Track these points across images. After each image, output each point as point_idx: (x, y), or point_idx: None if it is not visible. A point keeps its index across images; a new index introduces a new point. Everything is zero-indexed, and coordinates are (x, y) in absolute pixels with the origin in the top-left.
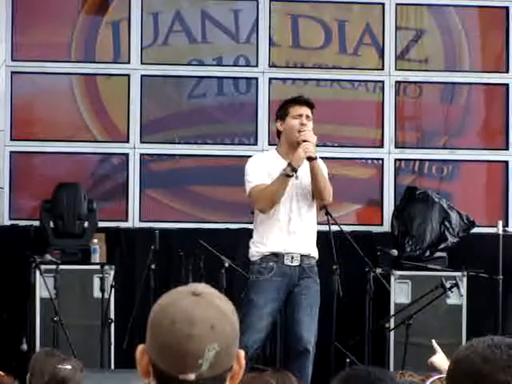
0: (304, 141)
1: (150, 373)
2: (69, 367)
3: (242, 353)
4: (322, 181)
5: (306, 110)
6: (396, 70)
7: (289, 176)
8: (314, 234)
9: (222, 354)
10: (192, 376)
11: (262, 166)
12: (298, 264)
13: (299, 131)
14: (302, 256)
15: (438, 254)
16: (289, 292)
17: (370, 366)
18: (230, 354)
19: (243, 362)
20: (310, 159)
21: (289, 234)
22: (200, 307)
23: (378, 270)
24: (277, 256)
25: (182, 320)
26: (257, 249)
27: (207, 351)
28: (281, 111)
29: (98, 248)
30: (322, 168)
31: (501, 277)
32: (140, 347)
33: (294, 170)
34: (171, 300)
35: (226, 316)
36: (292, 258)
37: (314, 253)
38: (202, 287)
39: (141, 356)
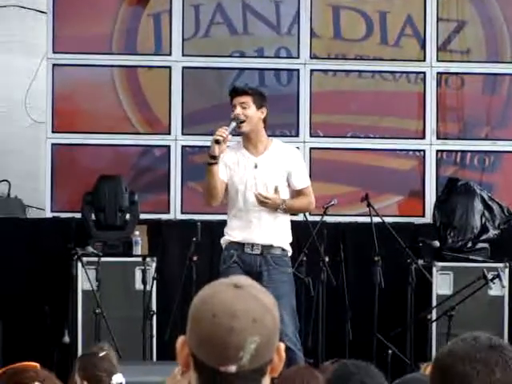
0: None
1: (190, 364)
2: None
3: (282, 345)
4: (298, 211)
5: (238, 99)
6: (437, 61)
7: (209, 164)
8: (281, 224)
9: (263, 347)
10: (233, 368)
11: (221, 159)
12: (258, 253)
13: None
14: (263, 246)
15: (480, 245)
16: None
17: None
18: (271, 346)
19: (283, 354)
20: (217, 142)
21: (247, 223)
22: (241, 300)
23: (420, 262)
24: (238, 244)
25: (223, 313)
26: (223, 237)
27: (248, 344)
28: None
29: (140, 240)
30: (293, 158)
31: None
32: (180, 338)
33: (212, 157)
34: (212, 292)
35: (267, 309)
36: (252, 246)
37: (280, 243)
38: (244, 279)
39: (181, 347)
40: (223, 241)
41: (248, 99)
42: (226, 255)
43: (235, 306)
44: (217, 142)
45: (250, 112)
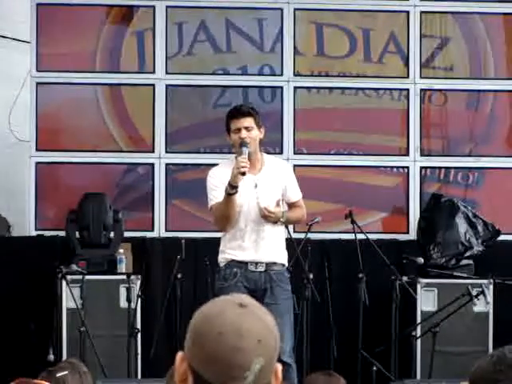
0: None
1: (188, 381)
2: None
3: (279, 366)
4: (295, 222)
5: (243, 122)
6: (421, 77)
7: (230, 194)
8: (281, 241)
9: (266, 368)
10: None
11: (221, 179)
12: (263, 270)
13: (240, 144)
14: (266, 263)
15: (464, 261)
16: (256, 299)
17: None
18: (273, 367)
19: (280, 375)
20: (244, 174)
21: (250, 241)
22: (247, 320)
23: (404, 278)
24: (241, 262)
25: (230, 332)
26: (222, 255)
27: (254, 364)
28: (226, 125)
29: (124, 258)
30: (287, 171)
31: None
32: (180, 354)
33: (233, 187)
34: (218, 310)
35: (270, 329)
36: (256, 264)
37: (281, 259)
38: (246, 298)
39: (180, 363)
40: (222, 259)
41: (251, 121)
42: (228, 273)
43: (242, 325)
44: (243, 174)
45: (254, 134)
